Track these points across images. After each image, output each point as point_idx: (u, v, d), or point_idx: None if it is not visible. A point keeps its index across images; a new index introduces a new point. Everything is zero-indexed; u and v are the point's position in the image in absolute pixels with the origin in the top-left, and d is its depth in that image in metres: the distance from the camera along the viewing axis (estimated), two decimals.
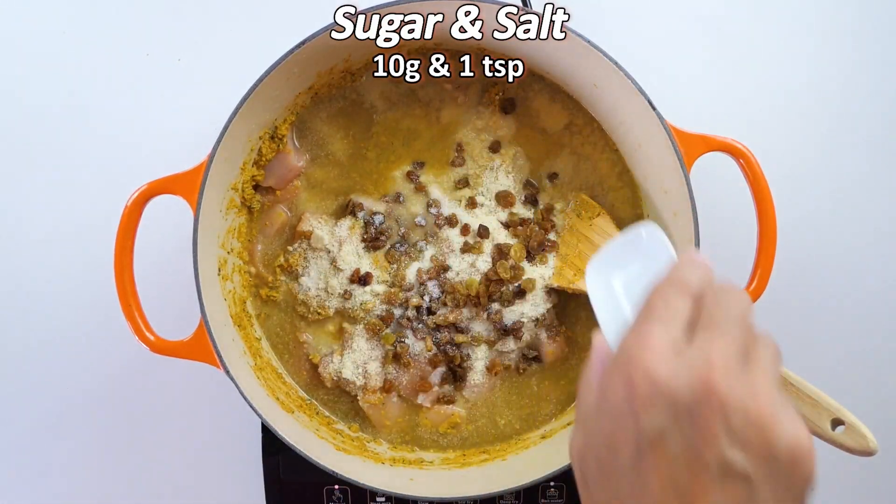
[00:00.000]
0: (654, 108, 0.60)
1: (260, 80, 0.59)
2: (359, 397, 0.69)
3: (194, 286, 0.60)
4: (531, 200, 0.70)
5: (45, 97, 0.76)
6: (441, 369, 0.70)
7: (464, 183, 0.70)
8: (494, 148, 0.70)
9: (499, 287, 0.68)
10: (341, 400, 0.71)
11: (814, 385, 0.52)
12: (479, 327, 0.69)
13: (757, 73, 0.76)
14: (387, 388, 0.69)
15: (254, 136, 0.65)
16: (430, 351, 0.69)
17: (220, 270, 0.65)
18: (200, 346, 0.61)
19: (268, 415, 0.62)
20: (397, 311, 0.69)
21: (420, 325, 0.69)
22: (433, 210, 0.69)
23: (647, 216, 0.69)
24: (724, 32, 0.76)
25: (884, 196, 0.77)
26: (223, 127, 0.59)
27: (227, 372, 0.60)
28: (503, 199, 0.69)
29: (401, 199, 0.69)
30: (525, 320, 0.68)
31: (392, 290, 0.69)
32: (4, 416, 0.77)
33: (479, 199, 0.70)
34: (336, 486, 0.71)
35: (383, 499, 0.71)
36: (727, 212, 0.70)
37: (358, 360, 0.69)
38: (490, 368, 0.70)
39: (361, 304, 0.68)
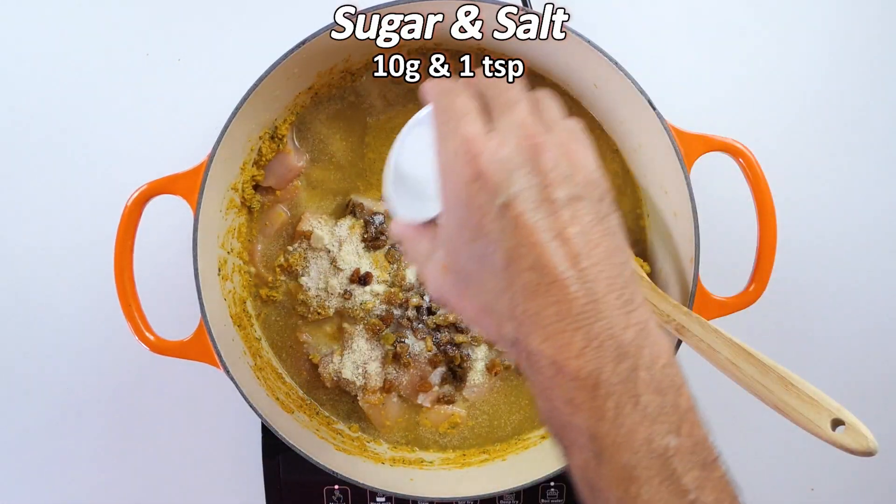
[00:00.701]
0: (654, 108, 0.60)
1: (260, 80, 0.59)
2: (359, 397, 0.69)
3: (194, 286, 0.60)
4: None
5: (44, 97, 0.76)
6: (441, 369, 0.70)
7: None
8: None
9: None
10: (341, 400, 0.71)
11: (814, 385, 0.52)
12: None
13: (757, 72, 0.76)
14: (387, 388, 0.69)
15: (254, 136, 0.65)
16: (430, 351, 0.69)
17: (220, 270, 0.65)
18: (200, 346, 0.61)
19: (268, 415, 0.62)
20: (397, 312, 0.69)
21: (420, 325, 0.69)
22: None
23: (647, 216, 0.69)
24: (724, 32, 0.76)
25: (884, 195, 0.77)
26: (223, 127, 0.59)
27: (227, 372, 0.60)
28: None
29: None
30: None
31: (392, 290, 0.69)
32: (4, 416, 0.77)
33: None
34: (336, 486, 0.71)
35: (383, 499, 0.71)
36: (727, 212, 0.70)
37: (358, 361, 0.69)
38: (490, 368, 0.70)
39: (361, 304, 0.68)
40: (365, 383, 0.69)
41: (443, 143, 0.41)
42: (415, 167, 0.46)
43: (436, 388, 0.70)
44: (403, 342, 0.69)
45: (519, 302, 0.37)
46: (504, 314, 0.39)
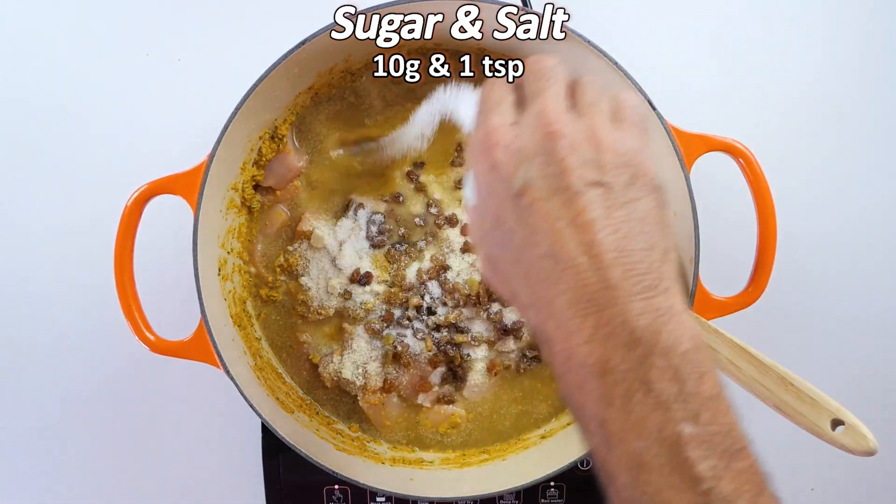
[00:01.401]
0: (654, 108, 0.60)
1: (260, 80, 0.59)
2: (359, 397, 0.69)
3: (194, 286, 0.60)
4: None
5: (44, 97, 0.76)
6: (441, 369, 0.70)
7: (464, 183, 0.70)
8: None
9: None
10: (342, 400, 0.71)
11: (814, 385, 0.52)
12: (479, 327, 0.69)
13: (757, 72, 0.76)
14: (387, 388, 0.69)
15: (254, 136, 0.65)
16: (430, 351, 0.69)
17: (220, 270, 0.65)
18: (200, 346, 0.61)
19: (268, 415, 0.62)
20: (397, 312, 0.69)
21: (420, 325, 0.69)
22: (433, 210, 0.69)
23: None
24: (724, 32, 0.76)
25: (884, 196, 0.77)
26: (223, 127, 0.59)
27: (227, 372, 0.60)
28: None
29: (400, 199, 0.69)
30: (525, 320, 0.68)
31: (392, 290, 0.69)
32: (4, 416, 0.77)
33: None
34: (336, 486, 0.71)
35: (383, 499, 0.71)
36: (727, 212, 0.70)
37: (358, 361, 0.69)
38: (490, 369, 0.70)
39: (362, 304, 0.69)
40: (365, 383, 0.69)
41: (473, 133, 0.42)
42: None
43: (436, 388, 0.70)
44: (403, 342, 0.69)
45: (536, 289, 0.38)
46: (525, 301, 0.39)
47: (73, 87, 0.76)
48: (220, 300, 0.64)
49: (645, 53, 0.73)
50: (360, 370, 0.69)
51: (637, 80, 0.60)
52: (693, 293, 0.61)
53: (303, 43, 0.59)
